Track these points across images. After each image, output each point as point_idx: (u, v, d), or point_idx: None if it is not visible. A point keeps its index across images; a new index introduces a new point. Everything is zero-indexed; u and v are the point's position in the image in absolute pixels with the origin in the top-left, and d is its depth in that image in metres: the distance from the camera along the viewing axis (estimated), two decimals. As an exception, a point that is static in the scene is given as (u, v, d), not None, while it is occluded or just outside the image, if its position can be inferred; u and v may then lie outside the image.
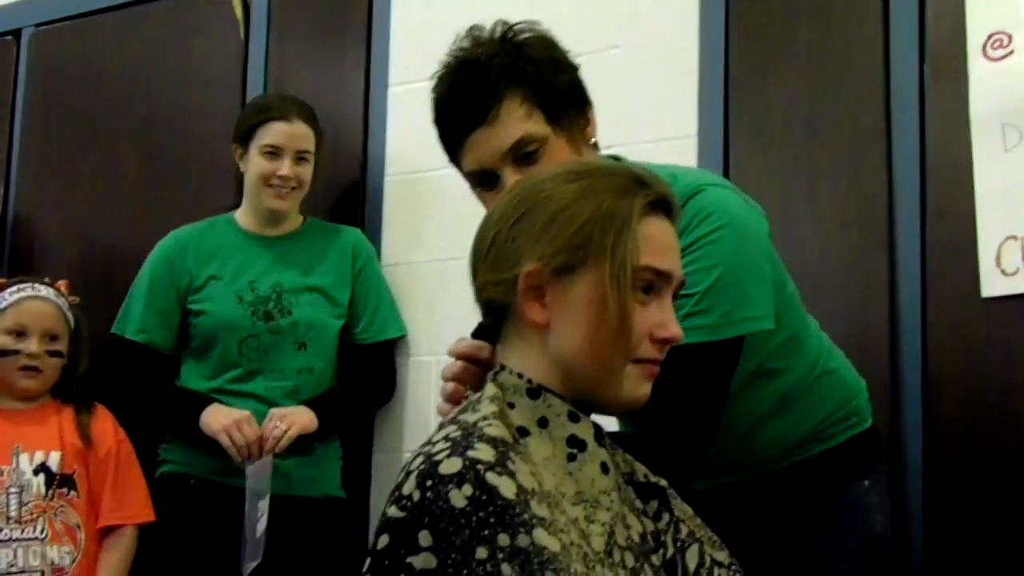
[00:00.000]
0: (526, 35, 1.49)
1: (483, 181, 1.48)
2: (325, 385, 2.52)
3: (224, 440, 2.35)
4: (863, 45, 2.26)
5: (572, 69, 1.54)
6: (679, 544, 1.21)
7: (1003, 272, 2.07)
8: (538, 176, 1.24)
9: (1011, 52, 2.12)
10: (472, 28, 1.50)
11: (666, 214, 1.21)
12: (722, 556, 1.24)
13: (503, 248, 1.19)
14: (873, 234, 2.19)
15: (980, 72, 2.14)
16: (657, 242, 1.18)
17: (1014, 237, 2.07)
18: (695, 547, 1.22)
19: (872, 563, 1.59)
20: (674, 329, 1.18)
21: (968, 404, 2.08)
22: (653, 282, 1.17)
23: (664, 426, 1.37)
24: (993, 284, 2.07)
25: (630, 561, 1.13)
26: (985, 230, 2.08)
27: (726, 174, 2.32)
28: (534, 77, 1.46)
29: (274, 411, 2.41)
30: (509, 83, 1.45)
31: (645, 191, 1.18)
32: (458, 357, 1.33)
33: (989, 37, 2.14)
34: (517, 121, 1.44)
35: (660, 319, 1.18)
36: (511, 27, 1.49)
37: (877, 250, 2.18)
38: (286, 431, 2.37)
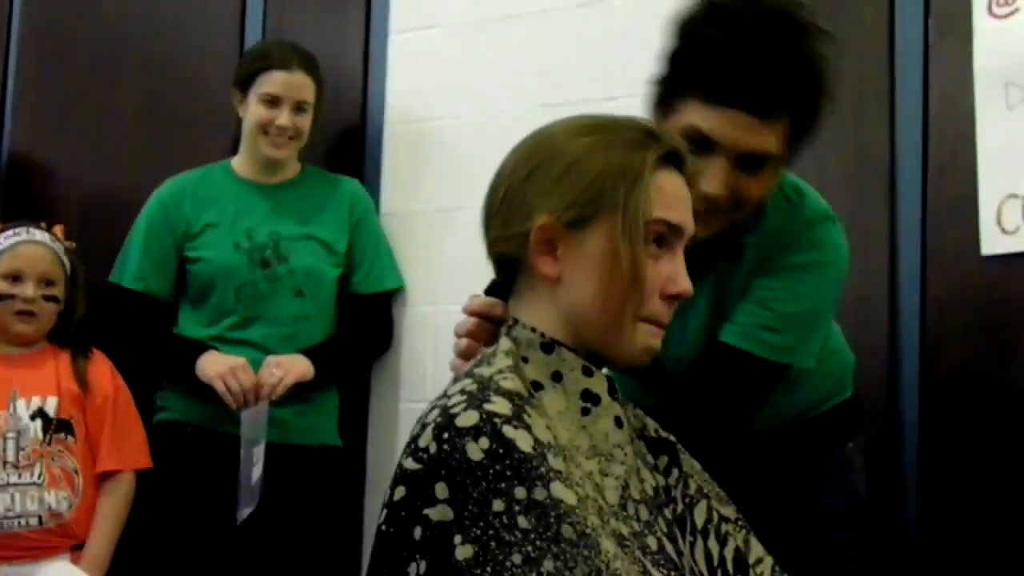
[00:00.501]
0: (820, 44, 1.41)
1: (699, 146, 1.37)
2: (322, 334, 2.51)
3: (220, 387, 2.36)
4: (869, 1, 2.24)
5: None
6: (688, 500, 1.22)
7: (1003, 230, 2.07)
8: (550, 129, 1.22)
9: (1016, 10, 2.10)
10: None
11: (678, 168, 1.20)
12: (729, 511, 1.25)
13: (515, 202, 1.18)
14: (875, 188, 2.19)
15: (985, 30, 2.13)
16: (669, 195, 1.18)
17: (1015, 195, 2.07)
18: (703, 503, 1.22)
19: (858, 520, 1.67)
20: (684, 283, 1.18)
21: (966, 361, 2.09)
22: (665, 235, 1.17)
23: (695, 416, 1.43)
24: (993, 242, 2.07)
25: (644, 514, 1.14)
26: (986, 188, 2.09)
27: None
28: (811, 112, 1.41)
29: (270, 358, 2.41)
30: (797, 102, 1.39)
31: (657, 144, 1.18)
32: (471, 314, 1.33)
33: (995, -6, 2.13)
34: (777, 138, 1.40)
35: (671, 273, 1.18)
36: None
37: (879, 204, 2.18)
38: (282, 378, 2.37)
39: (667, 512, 1.18)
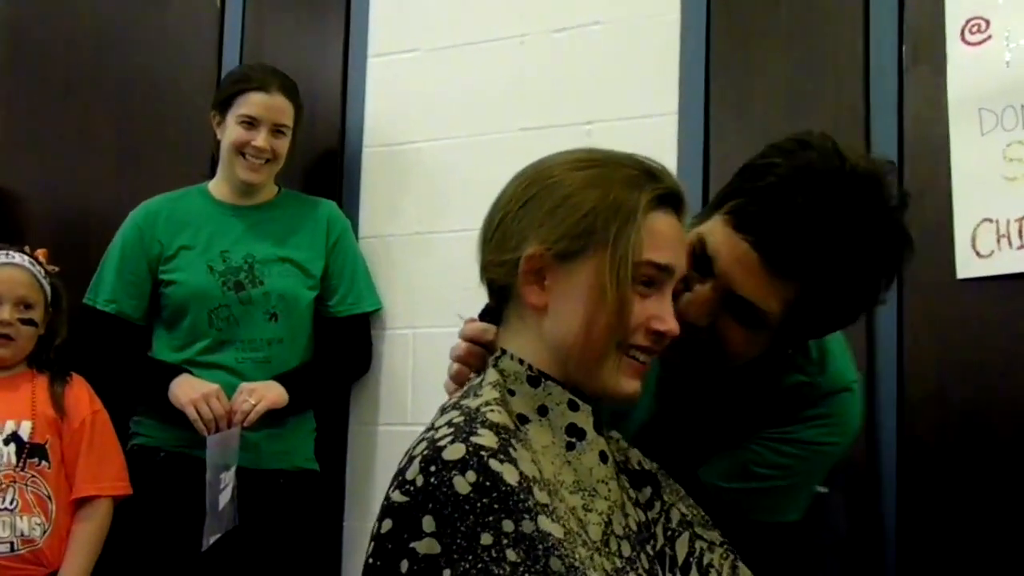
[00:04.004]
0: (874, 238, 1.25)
1: (698, 268, 1.29)
2: (298, 358, 2.50)
3: (192, 413, 2.34)
4: (844, 26, 2.27)
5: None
6: (669, 534, 1.22)
7: (978, 254, 2.09)
8: (549, 161, 1.23)
9: (988, 37, 2.13)
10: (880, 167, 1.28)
11: (674, 208, 1.21)
12: (714, 535, 1.25)
13: (508, 230, 1.19)
14: (851, 214, 2.20)
15: (958, 56, 2.16)
16: (662, 237, 1.18)
17: (989, 220, 2.09)
18: (685, 535, 1.22)
19: (838, 554, 1.68)
20: (670, 323, 1.18)
21: (942, 384, 2.11)
22: (654, 276, 1.18)
23: None
24: (968, 266, 2.09)
25: (627, 550, 1.14)
26: (961, 212, 2.11)
27: (706, 151, 2.34)
28: (827, 299, 1.26)
29: (243, 385, 2.39)
30: (816, 278, 1.25)
31: (654, 184, 1.18)
32: (464, 339, 1.33)
33: (967, 22, 2.16)
34: (778, 301, 1.26)
35: (658, 312, 1.18)
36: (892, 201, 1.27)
37: (855, 230, 2.19)
38: (255, 405, 2.36)
39: (649, 548, 1.17)
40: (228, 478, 2.33)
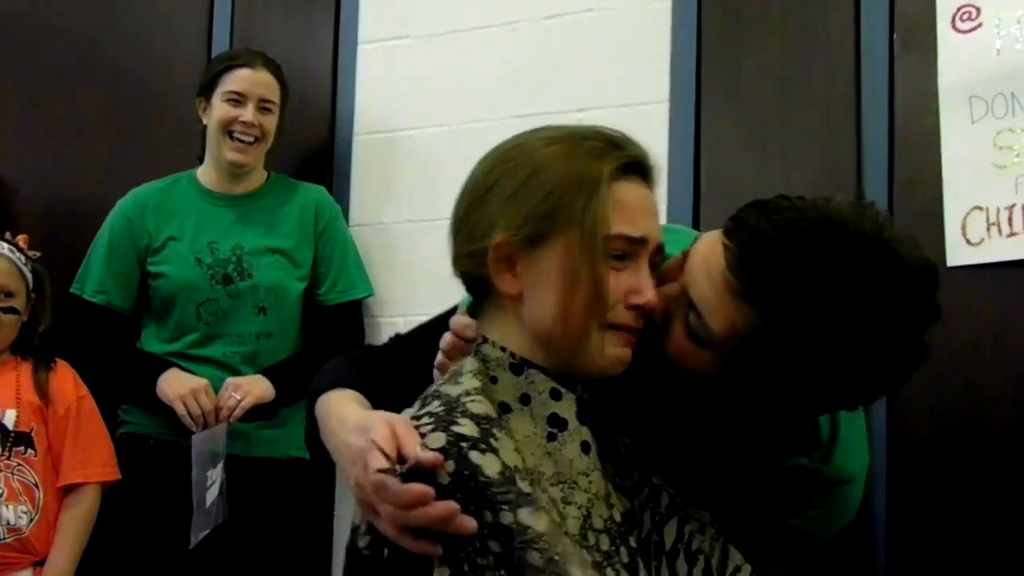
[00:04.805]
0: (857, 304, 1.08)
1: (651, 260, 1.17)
2: (287, 351, 2.49)
3: (180, 409, 2.33)
4: (835, 14, 2.27)
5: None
6: (657, 519, 1.18)
7: (968, 242, 2.09)
8: (506, 144, 1.19)
9: (979, 25, 2.14)
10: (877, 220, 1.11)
11: (643, 176, 1.17)
12: (705, 514, 1.21)
13: (474, 219, 1.16)
14: (842, 202, 2.20)
15: (949, 44, 2.16)
16: (630, 207, 1.14)
17: (979, 207, 2.09)
18: (674, 521, 1.19)
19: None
20: (648, 293, 1.14)
21: (932, 373, 2.10)
22: (627, 250, 1.14)
23: None
24: (958, 253, 2.09)
25: (605, 544, 1.11)
26: (951, 200, 2.11)
27: (697, 140, 2.34)
28: (796, 360, 1.10)
29: (229, 381, 2.38)
30: (776, 313, 1.09)
31: (616, 154, 1.15)
32: (451, 331, 1.30)
33: (958, 10, 2.16)
34: (727, 322, 1.12)
35: (635, 285, 1.14)
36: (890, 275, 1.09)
37: (845, 218, 2.19)
38: (240, 401, 2.35)
39: (631, 540, 1.14)
40: (215, 475, 2.32)
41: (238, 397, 2.35)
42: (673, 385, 1.20)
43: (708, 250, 1.15)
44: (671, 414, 1.26)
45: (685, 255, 1.19)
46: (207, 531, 2.31)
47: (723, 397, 1.18)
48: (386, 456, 1.04)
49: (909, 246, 1.12)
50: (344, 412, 1.19)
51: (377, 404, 1.18)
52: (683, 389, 1.20)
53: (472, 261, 1.17)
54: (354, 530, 1.12)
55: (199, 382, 2.36)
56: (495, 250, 1.14)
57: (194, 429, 2.34)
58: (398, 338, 1.43)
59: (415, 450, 1.04)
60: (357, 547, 1.09)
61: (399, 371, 1.28)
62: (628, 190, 1.14)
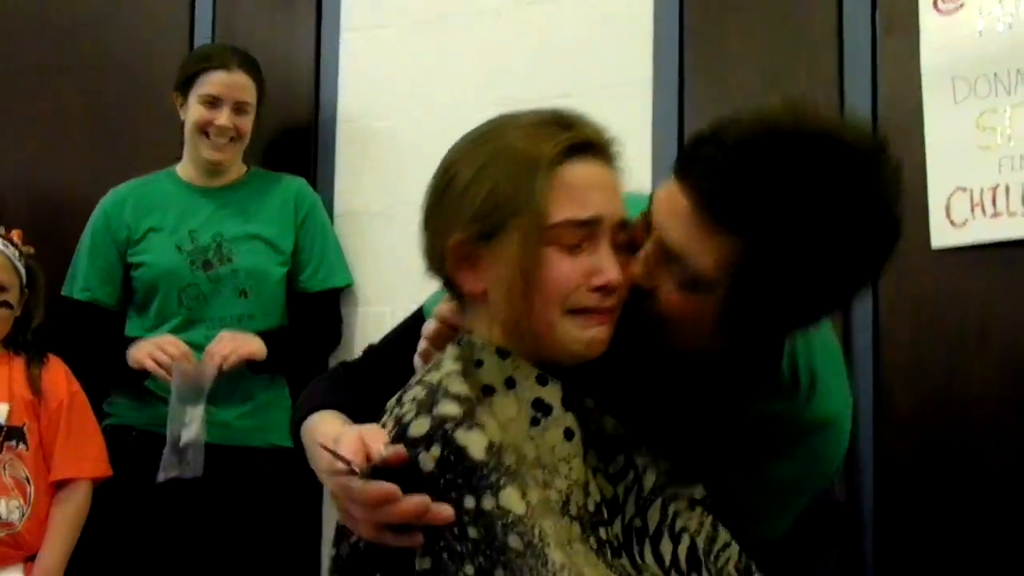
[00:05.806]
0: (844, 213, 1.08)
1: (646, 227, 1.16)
2: (270, 332, 2.50)
3: (149, 364, 2.34)
4: (817, -5, 2.27)
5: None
6: (641, 503, 1.18)
7: (952, 223, 2.10)
8: (472, 133, 1.19)
9: (961, 6, 2.13)
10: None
11: (595, 153, 1.14)
12: (694, 491, 1.20)
13: (435, 218, 1.17)
14: (825, 185, 2.20)
15: (931, 25, 2.15)
16: (577, 189, 1.11)
17: (963, 188, 2.09)
18: (657, 502, 1.18)
19: None
20: (610, 272, 1.12)
21: (917, 354, 2.12)
22: (581, 235, 1.11)
23: None
24: (943, 235, 2.10)
25: (576, 532, 1.11)
26: (935, 182, 2.11)
27: (680, 121, 2.34)
28: (785, 275, 1.09)
29: (223, 332, 2.39)
30: (760, 233, 1.08)
31: (561, 136, 1.12)
32: (436, 319, 1.30)
33: (941, -10, 2.16)
34: (714, 259, 1.10)
35: (593, 266, 1.12)
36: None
37: (829, 201, 2.19)
38: (236, 349, 2.35)
39: (602, 531, 1.14)
40: (194, 415, 2.30)
41: (232, 346, 2.35)
42: (665, 352, 1.20)
43: (670, 198, 1.12)
44: (660, 383, 1.25)
45: (645, 215, 1.16)
46: (176, 475, 2.28)
47: (730, 338, 1.16)
48: (342, 459, 1.05)
49: (852, 130, 1.12)
50: (324, 430, 1.20)
51: (359, 418, 1.19)
52: (678, 352, 1.19)
53: (437, 263, 1.17)
54: (338, 531, 1.13)
55: (165, 336, 2.36)
56: (452, 251, 1.14)
57: (168, 379, 2.32)
58: (371, 350, 1.44)
59: (379, 449, 1.04)
60: (339, 552, 1.11)
61: (377, 382, 1.29)
62: (575, 170, 1.12)
